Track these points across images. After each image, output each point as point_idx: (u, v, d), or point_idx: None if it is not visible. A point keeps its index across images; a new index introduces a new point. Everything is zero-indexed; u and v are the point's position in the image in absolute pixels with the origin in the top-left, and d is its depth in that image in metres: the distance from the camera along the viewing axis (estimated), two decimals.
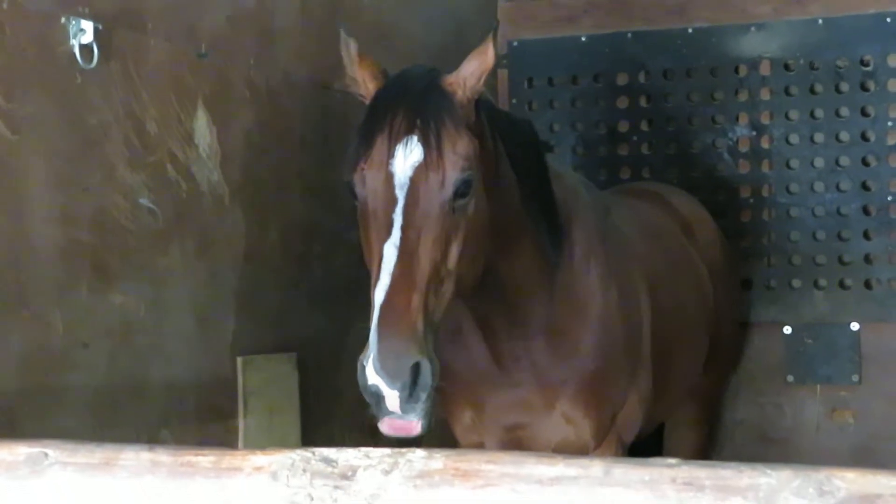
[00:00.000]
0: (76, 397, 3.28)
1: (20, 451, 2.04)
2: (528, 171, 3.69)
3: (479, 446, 3.95)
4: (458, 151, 3.18)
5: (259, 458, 1.90)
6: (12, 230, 3.08)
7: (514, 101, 5.83)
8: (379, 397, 2.95)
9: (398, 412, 2.98)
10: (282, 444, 4.05)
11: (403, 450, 1.86)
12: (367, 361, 2.94)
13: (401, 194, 3.12)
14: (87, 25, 3.25)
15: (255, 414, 3.94)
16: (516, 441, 3.91)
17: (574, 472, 1.78)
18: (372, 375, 2.93)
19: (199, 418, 3.72)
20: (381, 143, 3.18)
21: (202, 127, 3.76)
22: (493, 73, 5.81)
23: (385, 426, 3.07)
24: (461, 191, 3.17)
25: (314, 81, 4.37)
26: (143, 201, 3.50)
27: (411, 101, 3.21)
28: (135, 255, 3.48)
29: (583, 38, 5.76)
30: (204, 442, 3.72)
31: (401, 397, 2.94)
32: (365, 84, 3.35)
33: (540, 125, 5.72)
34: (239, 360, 3.91)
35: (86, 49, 3.26)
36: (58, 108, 3.21)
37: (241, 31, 3.97)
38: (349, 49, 3.37)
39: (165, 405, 3.60)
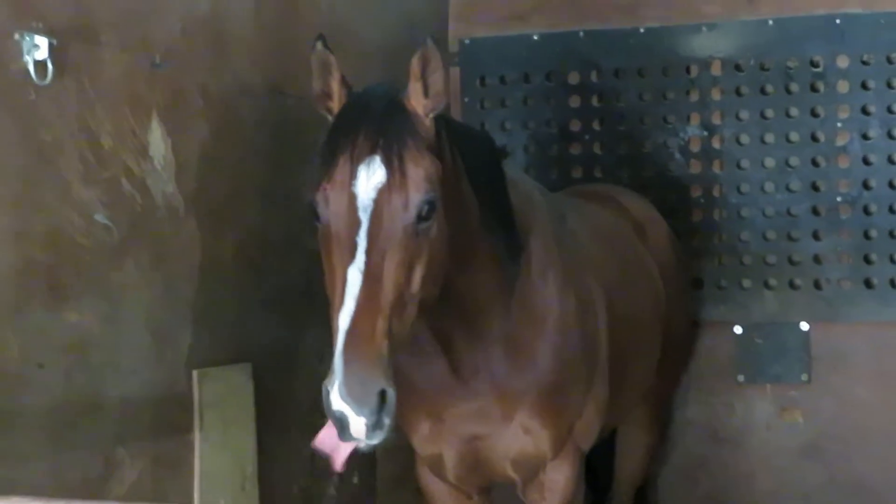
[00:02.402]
0: (32, 419, 3.22)
1: None
2: (487, 184, 3.67)
3: (437, 457, 3.95)
4: (421, 173, 3.15)
5: None
6: None
7: (466, 99, 5.81)
8: (344, 423, 2.94)
9: (363, 438, 2.97)
10: (238, 456, 4.03)
11: None
12: (332, 387, 2.92)
13: (364, 217, 3.09)
14: (42, 41, 3.18)
15: (211, 427, 3.90)
16: (474, 451, 3.92)
17: None
18: (337, 401, 2.92)
19: (155, 434, 3.68)
20: (343, 163, 3.14)
21: (157, 139, 3.70)
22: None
23: (321, 442, 3.12)
24: (425, 213, 3.15)
25: (269, 88, 4.32)
26: (99, 217, 3.44)
27: (373, 121, 3.18)
28: (90, 271, 3.43)
29: (535, 37, 5.74)
30: (160, 458, 3.69)
31: (367, 424, 2.93)
32: (339, 100, 3.31)
33: (492, 124, 5.76)
34: (195, 373, 3.86)
35: (40, 65, 3.19)
36: (12, 127, 3.14)
37: (195, 39, 3.91)
38: (327, 62, 3.31)
39: (121, 422, 3.55)
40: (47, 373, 3.27)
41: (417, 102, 3.26)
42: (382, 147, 3.14)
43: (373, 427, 2.94)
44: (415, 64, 3.23)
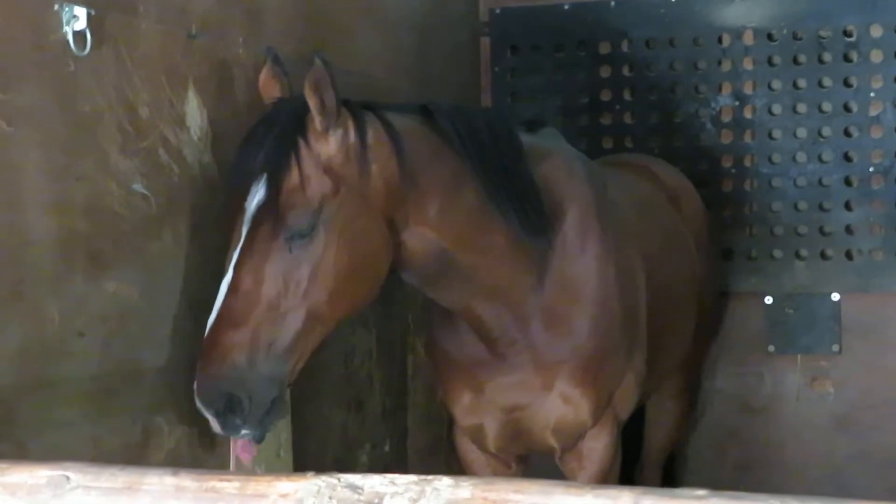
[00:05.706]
0: (72, 387, 3.25)
1: (41, 474, 2.02)
2: (496, 162, 3.66)
3: (478, 427, 4.00)
4: (300, 189, 3.25)
5: (285, 485, 1.90)
6: (8, 223, 3.03)
7: (496, 68, 5.81)
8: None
9: (221, 433, 3.29)
10: None
11: (430, 477, 1.86)
12: (194, 386, 3.22)
13: (244, 232, 3.26)
14: (81, 12, 3.19)
15: None
16: (515, 422, 3.95)
17: (602, 502, 1.78)
18: (196, 399, 3.23)
19: (192, 403, 3.68)
20: (239, 182, 3.32)
21: (193, 109, 3.71)
22: (474, 41, 5.83)
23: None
24: (300, 230, 3.24)
25: (302, 57, 4.31)
26: (137, 187, 3.46)
27: (271, 139, 3.30)
28: (128, 241, 3.45)
29: (565, 6, 5.73)
30: (197, 425, 3.72)
31: (217, 422, 3.23)
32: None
33: (522, 94, 5.73)
34: None
35: (79, 36, 3.20)
36: (52, 98, 3.16)
37: (231, 9, 3.92)
38: (269, 71, 3.54)
39: (159, 391, 3.58)
40: (87, 341, 3.29)
41: (316, 120, 3.33)
42: (271, 165, 3.26)
43: (223, 426, 3.23)
44: (307, 86, 3.29)
